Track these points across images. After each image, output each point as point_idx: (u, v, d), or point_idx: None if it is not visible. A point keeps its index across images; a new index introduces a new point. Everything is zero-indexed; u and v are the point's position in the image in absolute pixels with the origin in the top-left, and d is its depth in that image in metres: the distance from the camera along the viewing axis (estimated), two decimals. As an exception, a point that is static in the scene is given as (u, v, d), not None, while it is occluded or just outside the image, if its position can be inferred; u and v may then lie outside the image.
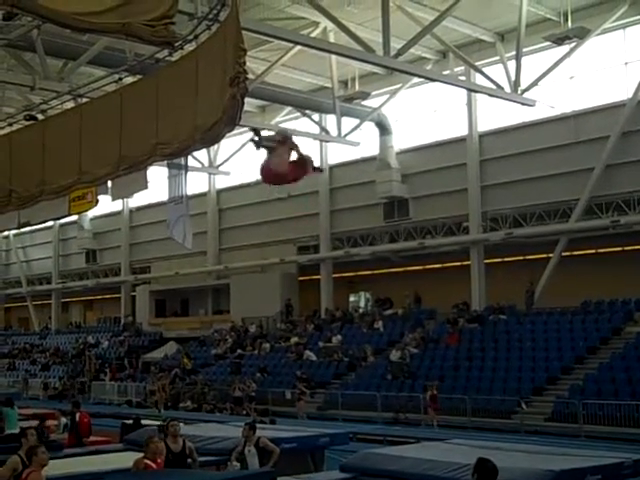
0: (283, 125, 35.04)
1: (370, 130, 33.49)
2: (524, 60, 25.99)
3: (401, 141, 33.35)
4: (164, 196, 32.06)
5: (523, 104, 26.57)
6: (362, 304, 36.75)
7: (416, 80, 30.83)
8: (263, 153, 8.86)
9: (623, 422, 20.67)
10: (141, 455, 9.81)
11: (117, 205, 44.14)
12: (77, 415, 16.32)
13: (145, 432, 13.14)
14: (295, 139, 8.93)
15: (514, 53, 26.04)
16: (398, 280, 33.46)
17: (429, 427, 23.49)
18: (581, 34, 25.68)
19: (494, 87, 25.89)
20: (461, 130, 31.25)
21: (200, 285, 41.64)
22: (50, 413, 20.98)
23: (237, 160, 38.29)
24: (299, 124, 34.62)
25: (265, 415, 25.89)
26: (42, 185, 10.59)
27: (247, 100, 8.40)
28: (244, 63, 7.69)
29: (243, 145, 37.38)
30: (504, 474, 7.83)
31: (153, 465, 9.58)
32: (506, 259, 30.26)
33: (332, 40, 26.35)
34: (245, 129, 34.47)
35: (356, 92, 31.45)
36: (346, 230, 35.14)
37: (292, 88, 31.26)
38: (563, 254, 28.12)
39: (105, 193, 11.23)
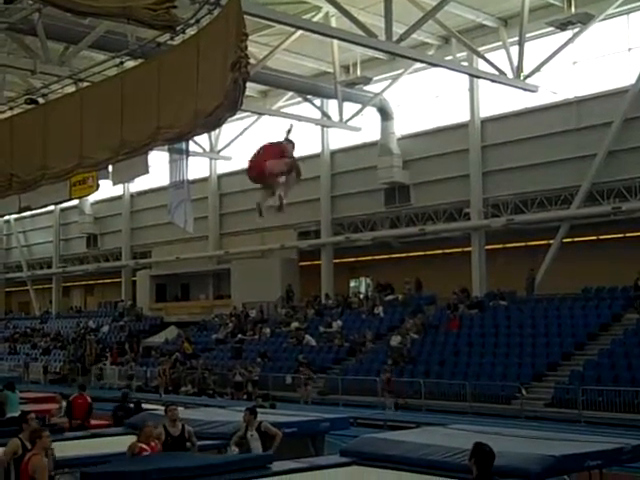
0: (285, 110, 34.99)
1: (372, 115, 33.40)
2: (527, 45, 25.91)
3: (403, 127, 33.27)
4: (165, 181, 32.11)
5: (525, 90, 26.49)
6: (363, 290, 36.78)
7: (418, 65, 30.71)
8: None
9: (622, 408, 20.72)
10: (135, 439, 9.88)
11: (118, 190, 44.13)
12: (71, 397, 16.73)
13: (145, 416, 13.18)
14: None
15: (517, 38, 25.97)
16: (399, 266, 33.47)
17: (386, 408, 24.15)
18: (584, 19, 25.61)
19: (496, 73, 25.80)
20: (463, 116, 31.17)
21: (201, 270, 41.69)
22: (51, 397, 21.04)
23: (238, 145, 38.21)
24: (301, 109, 34.54)
25: (265, 400, 25.96)
26: (43, 169, 10.59)
27: (248, 85, 8.39)
28: (246, 47, 7.67)
29: (244, 130, 37.43)
30: (504, 459, 7.88)
31: (147, 449, 9.65)
32: (507, 245, 30.26)
33: (334, 25, 26.24)
34: (247, 114, 34.66)
35: (358, 77, 31.38)
36: (347, 216, 35.12)
37: (294, 73, 31.17)
38: (564, 240, 28.11)
39: (106, 177, 11.23)
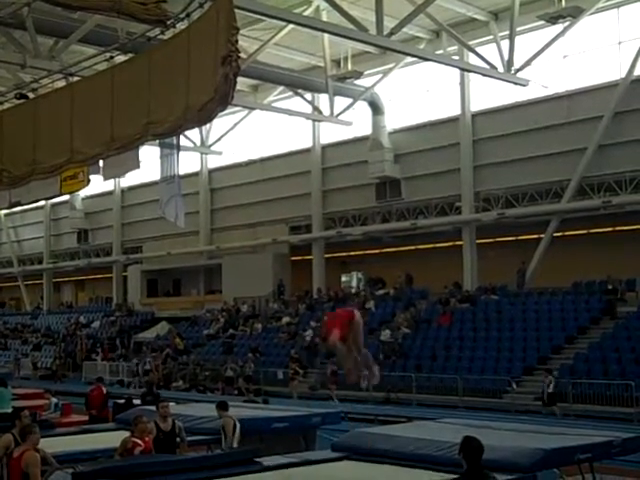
0: (276, 104, 34.91)
1: (363, 110, 33.38)
2: (517, 39, 25.93)
3: (394, 121, 33.26)
4: (156, 176, 31.91)
5: (516, 84, 26.52)
6: (354, 284, 36.80)
7: (409, 59, 30.70)
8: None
9: (612, 401, 20.83)
10: (129, 434, 9.88)
11: (109, 185, 43.97)
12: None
13: (136, 412, 13.16)
14: None
15: (507, 32, 25.98)
16: (390, 260, 33.51)
17: (330, 400, 24.99)
18: (575, 13, 25.63)
19: (487, 67, 25.81)
20: (454, 110, 31.18)
21: (192, 265, 41.62)
22: (41, 393, 21.03)
23: (229, 140, 38.17)
24: (291, 103, 34.50)
25: (257, 395, 25.98)
26: (33, 164, 10.54)
27: (239, 79, 8.37)
28: (236, 42, 7.64)
29: (235, 124, 37.35)
30: (495, 453, 7.91)
31: (141, 443, 9.65)
32: (498, 239, 30.29)
33: (325, 19, 26.21)
34: (237, 108, 34.59)
35: (349, 71, 31.32)
36: (338, 210, 35.11)
37: (284, 67, 31.12)
38: (555, 234, 28.18)
39: (97, 173, 11.17)
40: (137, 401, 17.41)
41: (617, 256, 26.27)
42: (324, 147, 35.89)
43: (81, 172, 11.19)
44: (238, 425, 11.06)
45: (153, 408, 11.59)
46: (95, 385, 18.14)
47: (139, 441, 9.65)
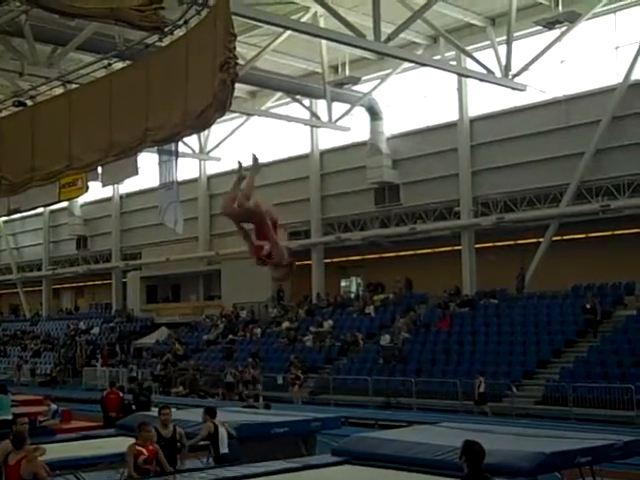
0: (274, 110, 34.97)
1: (361, 115, 33.42)
2: (515, 45, 25.96)
3: (392, 126, 33.29)
4: (155, 182, 32.01)
5: (514, 89, 26.54)
6: (353, 289, 36.79)
7: (407, 65, 30.75)
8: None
9: (613, 405, 20.82)
10: (133, 441, 9.88)
11: (108, 191, 43.93)
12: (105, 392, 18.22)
13: (136, 418, 13.16)
14: None
15: (505, 38, 26.01)
16: (389, 265, 33.51)
17: (294, 404, 25.45)
18: (572, 18, 25.70)
19: (485, 72, 25.84)
20: (452, 115, 31.21)
21: (191, 271, 41.63)
22: (40, 399, 21.02)
23: (228, 146, 38.19)
24: (289, 109, 34.54)
25: (257, 400, 25.95)
26: (32, 171, 10.57)
27: (237, 86, 8.39)
28: (234, 48, 7.68)
29: (234, 131, 37.39)
30: (495, 456, 7.92)
31: (144, 452, 9.66)
32: (497, 244, 30.33)
33: (322, 25, 26.25)
34: (236, 114, 34.65)
35: (346, 77, 31.39)
36: (337, 215, 35.12)
37: (282, 73, 31.15)
38: (554, 238, 28.19)
39: (95, 179, 11.21)
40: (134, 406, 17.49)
41: (616, 260, 26.29)
42: (322, 153, 35.92)
43: (80, 179, 11.21)
44: (223, 430, 11.08)
45: (152, 413, 11.61)
46: (110, 389, 18.42)
47: (142, 449, 9.65)
